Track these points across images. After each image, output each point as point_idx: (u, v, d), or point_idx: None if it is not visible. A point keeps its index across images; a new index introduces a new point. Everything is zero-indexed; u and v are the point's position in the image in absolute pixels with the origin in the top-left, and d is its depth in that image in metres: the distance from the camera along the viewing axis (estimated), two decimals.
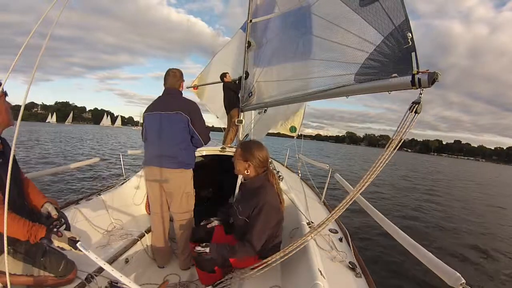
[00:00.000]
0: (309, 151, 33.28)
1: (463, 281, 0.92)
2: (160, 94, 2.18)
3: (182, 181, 2.11)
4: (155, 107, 2.11)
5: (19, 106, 0.88)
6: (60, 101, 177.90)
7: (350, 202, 1.09)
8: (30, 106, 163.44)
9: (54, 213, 1.45)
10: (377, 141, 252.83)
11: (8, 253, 1.27)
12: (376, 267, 3.87)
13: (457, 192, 13.82)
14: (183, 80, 2.22)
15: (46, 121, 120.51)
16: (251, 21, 3.48)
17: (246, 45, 3.58)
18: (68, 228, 1.42)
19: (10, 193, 0.78)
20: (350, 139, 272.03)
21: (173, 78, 2.13)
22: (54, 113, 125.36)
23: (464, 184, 18.83)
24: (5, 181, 0.77)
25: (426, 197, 10.63)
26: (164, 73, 2.18)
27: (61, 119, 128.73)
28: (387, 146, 1.01)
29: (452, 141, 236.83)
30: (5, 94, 1.31)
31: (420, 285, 3.58)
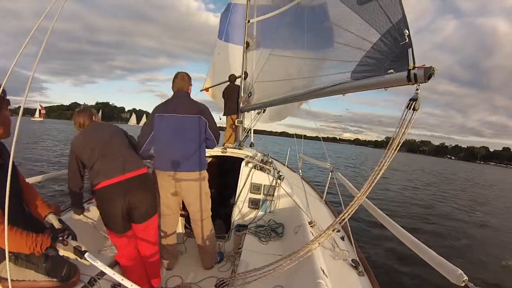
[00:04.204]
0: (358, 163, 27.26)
1: (466, 278, 0.91)
2: (170, 97, 2.17)
3: (202, 182, 2.13)
4: (168, 109, 2.06)
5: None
6: (101, 101, 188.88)
7: (356, 207, 1.07)
8: (74, 106, 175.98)
9: (57, 225, 1.43)
10: (417, 147, 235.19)
11: (10, 259, 1.26)
12: (378, 265, 3.87)
13: None
14: (191, 84, 2.21)
15: None
16: (249, 21, 3.49)
17: (245, 45, 3.59)
18: (74, 237, 1.40)
19: (10, 202, 0.76)
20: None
21: (181, 81, 2.13)
22: None
23: None
24: (3, 190, 0.75)
25: None
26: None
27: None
28: (387, 147, 1.01)
29: (500, 148, 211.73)
30: (8, 103, 1.26)
31: (423, 282, 3.57)
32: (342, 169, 18.34)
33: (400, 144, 1.02)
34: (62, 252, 1.21)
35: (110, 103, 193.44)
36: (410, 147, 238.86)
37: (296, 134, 5.34)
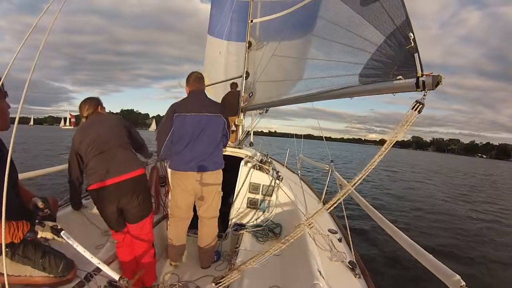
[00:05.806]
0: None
1: (463, 283, 0.91)
2: (187, 96, 2.14)
3: (218, 182, 2.14)
4: (188, 108, 2.01)
5: None
6: (126, 109, 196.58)
7: (345, 195, 1.09)
8: None
9: (40, 204, 1.46)
10: (446, 146, 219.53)
11: (6, 255, 1.26)
12: (375, 267, 3.86)
13: None
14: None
15: None
16: (251, 21, 3.47)
17: (247, 45, 3.57)
18: (53, 218, 1.42)
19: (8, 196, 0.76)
20: (417, 144, 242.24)
21: (199, 80, 2.13)
22: None
23: None
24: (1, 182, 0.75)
25: None
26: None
27: None
28: (386, 144, 1.03)
29: None
30: (5, 94, 1.27)
31: (421, 286, 3.57)
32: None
33: (394, 142, 1.04)
34: (40, 234, 1.25)
35: (135, 110, 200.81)
36: (439, 145, 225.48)
37: (295, 135, 5.30)
